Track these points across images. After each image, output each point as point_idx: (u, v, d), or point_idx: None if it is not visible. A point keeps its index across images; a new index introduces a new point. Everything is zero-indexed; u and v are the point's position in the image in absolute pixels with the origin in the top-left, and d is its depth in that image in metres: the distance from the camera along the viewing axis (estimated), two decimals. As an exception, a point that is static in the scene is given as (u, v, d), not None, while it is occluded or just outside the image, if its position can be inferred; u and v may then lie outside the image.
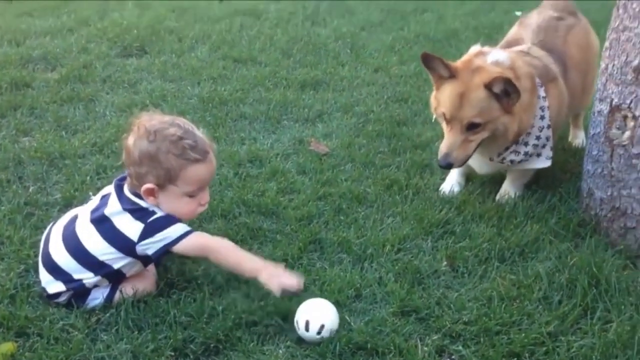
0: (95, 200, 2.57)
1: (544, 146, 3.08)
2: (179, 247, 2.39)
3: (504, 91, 2.82)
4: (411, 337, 2.36)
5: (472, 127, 2.89)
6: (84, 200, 2.86)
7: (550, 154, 3.11)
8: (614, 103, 2.80)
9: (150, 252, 2.40)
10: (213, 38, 5.37)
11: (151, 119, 2.45)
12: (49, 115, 3.92)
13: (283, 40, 5.39)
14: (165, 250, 2.40)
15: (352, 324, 2.39)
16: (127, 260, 2.43)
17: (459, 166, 3.00)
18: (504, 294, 2.54)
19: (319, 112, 4.13)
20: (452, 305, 2.49)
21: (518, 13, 6.40)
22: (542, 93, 3.03)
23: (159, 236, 2.38)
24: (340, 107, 4.21)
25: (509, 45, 3.37)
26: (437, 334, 2.36)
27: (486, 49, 3.09)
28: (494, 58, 2.98)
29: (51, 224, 2.62)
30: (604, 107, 2.86)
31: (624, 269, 2.71)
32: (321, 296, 2.50)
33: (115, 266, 2.42)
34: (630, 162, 2.76)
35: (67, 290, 2.42)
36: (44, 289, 2.46)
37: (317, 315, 2.31)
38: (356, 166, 3.51)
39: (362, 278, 2.64)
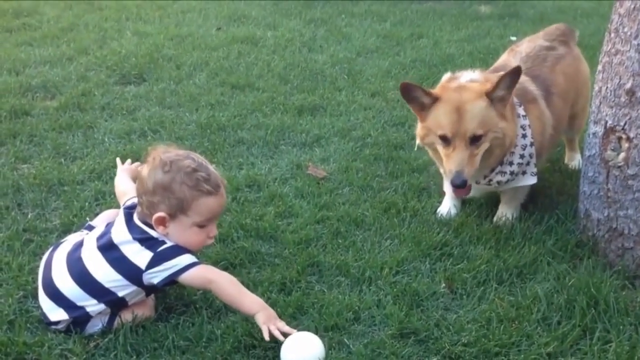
0: (100, 228, 2.59)
1: (528, 164, 3.10)
2: (184, 277, 2.41)
3: (507, 89, 2.86)
4: (410, 359, 2.36)
5: (475, 140, 2.87)
6: (81, 226, 2.87)
7: (535, 170, 3.13)
8: (608, 125, 2.82)
9: (156, 280, 2.41)
10: (211, 65, 5.41)
11: (167, 151, 2.50)
12: (48, 143, 3.94)
13: (280, 66, 5.43)
14: (171, 280, 2.42)
15: (351, 346, 2.39)
16: (132, 288, 2.43)
17: (469, 186, 2.95)
18: (503, 315, 2.55)
19: (316, 137, 4.15)
20: (451, 327, 2.49)
21: (513, 38, 6.48)
22: (521, 112, 3.07)
23: (166, 265, 2.40)
24: (337, 131, 4.23)
25: (496, 70, 3.40)
26: (437, 356, 2.36)
27: (456, 73, 3.14)
28: (467, 78, 3.05)
29: (50, 250, 2.62)
30: (599, 129, 2.88)
31: (623, 289, 2.72)
32: (320, 319, 2.51)
33: (120, 294, 2.43)
34: (626, 183, 2.77)
35: (69, 318, 2.41)
36: (44, 316, 2.45)
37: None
38: (354, 190, 3.53)
39: (361, 301, 2.64)
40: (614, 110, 2.79)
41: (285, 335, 2.31)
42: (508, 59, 3.50)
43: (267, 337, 2.30)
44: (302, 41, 6.20)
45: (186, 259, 2.42)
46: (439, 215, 3.29)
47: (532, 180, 3.14)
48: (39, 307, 2.50)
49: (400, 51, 6.03)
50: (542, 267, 2.86)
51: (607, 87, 2.83)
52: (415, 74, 5.34)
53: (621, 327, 2.48)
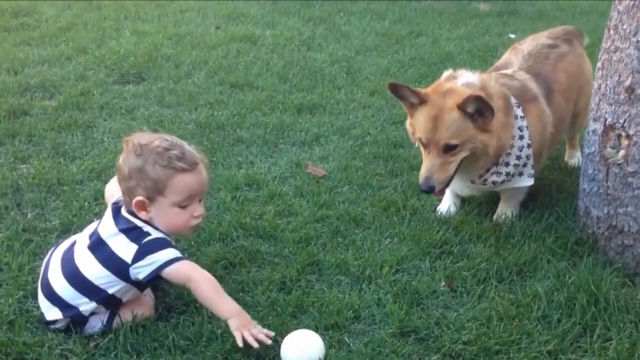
0: (92, 226, 2.58)
1: (525, 165, 3.09)
2: (167, 271, 2.38)
3: (478, 110, 2.83)
4: (411, 357, 2.36)
5: (449, 149, 2.88)
6: (83, 227, 2.87)
7: (532, 172, 3.12)
8: (607, 122, 2.82)
9: (141, 276, 2.39)
10: (210, 64, 5.40)
11: (141, 137, 2.50)
12: (47, 143, 3.93)
13: (279, 65, 5.42)
14: (156, 275, 2.39)
15: (351, 345, 2.40)
16: (122, 285, 2.42)
17: (442, 189, 2.98)
18: (503, 313, 2.55)
19: (315, 136, 4.15)
20: (451, 325, 2.49)
21: (512, 36, 6.47)
22: (519, 113, 3.05)
23: (150, 259, 2.37)
24: (336, 130, 4.23)
25: (498, 69, 3.42)
26: (437, 354, 2.36)
27: (457, 72, 3.11)
28: (464, 80, 3.02)
29: (52, 249, 2.63)
30: (598, 127, 2.88)
31: (623, 287, 2.72)
32: (320, 318, 2.51)
33: (110, 291, 2.42)
34: (626, 181, 2.77)
35: (63, 317, 2.42)
36: (42, 315, 2.46)
37: (297, 357, 2.29)
38: (353, 188, 3.52)
39: (361, 299, 2.64)
40: (613, 108, 2.78)
41: (260, 342, 2.27)
42: (510, 58, 3.51)
43: (240, 343, 2.26)
44: (301, 40, 6.19)
45: (170, 253, 2.39)
46: (439, 213, 3.29)
47: (528, 181, 3.13)
48: (38, 307, 2.50)
49: (399, 49, 6.02)
50: (542, 265, 2.86)
51: (606, 85, 2.82)
52: (415, 72, 5.33)
53: (621, 324, 2.47)
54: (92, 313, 2.44)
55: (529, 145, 3.05)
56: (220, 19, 6.89)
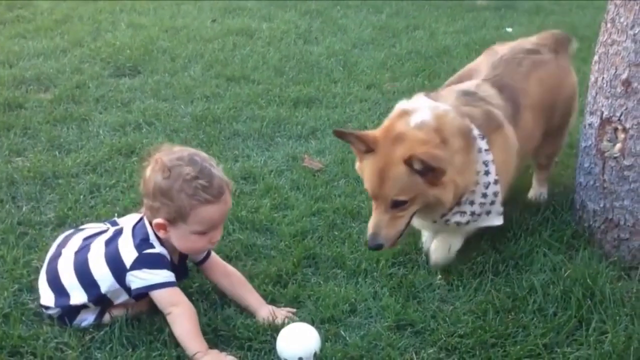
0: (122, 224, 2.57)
1: (492, 203, 2.75)
2: (156, 293, 2.36)
3: (426, 167, 2.51)
4: (407, 350, 2.36)
5: (397, 205, 2.59)
6: (78, 220, 2.86)
7: (501, 209, 2.80)
8: (604, 116, 2.82)
9: (133, 286, 2.37)
10: (206, 57, 5.39)
11: (170, 153, 2.42)
12: (42, 135, 3.92)
13: (276, 58, 5.41)
14: (145, 292, 2.37)
15: (347, 338, 2.39)
16: (115, 287, 2.40)
17: (392, 244, 2.68)
18: (499, 306, 2.55)
19: (312, 129, 4.14)
20: (447, 319, 2.49)
21: (509, 29, 6.47)
22: (483, 146, 2.70)
23: (144, 274, 2.35)
24: (333, 123, 4.22)
25: (461, 78, 3.12)
26: (433, 348, 2.37)
27: (411, 106, 2.71)
28: (417, 119, 2.62)
29: (67, 234, 2.62)
30: (595, 120, 2.88)
31: (618, 280, 2.73)
32: (316, 311, 2.52)
33: (103, 289, 2.40)
34: (622, 174, 2.77)
35: (55, 307, 2.42)
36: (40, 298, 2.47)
37: (293, 350, 2.29)
38: (350, 182, 3.52)
39: (357, 293, 2.64)
40: (609, 101, 2.78)
41: None
42: (480, 63, 3.17)
43: None
44: (297, 33, 6.18)
45: (165, 275, 2.36)
46: (426, 248, 2.94)
47: (497, 221, 2.82)
48: (34, 300, 2.50)
49: (396, 43, 6.01)
50: (538, 258, 2.85)
51: (603, 78, 2.82)
52: (411, 66, 5.33)
53: (617, 317, 2.48)
54: (84, 306, 2.42)
55: (495, 182, 2.72)
56: (217, 12, 6.87)
